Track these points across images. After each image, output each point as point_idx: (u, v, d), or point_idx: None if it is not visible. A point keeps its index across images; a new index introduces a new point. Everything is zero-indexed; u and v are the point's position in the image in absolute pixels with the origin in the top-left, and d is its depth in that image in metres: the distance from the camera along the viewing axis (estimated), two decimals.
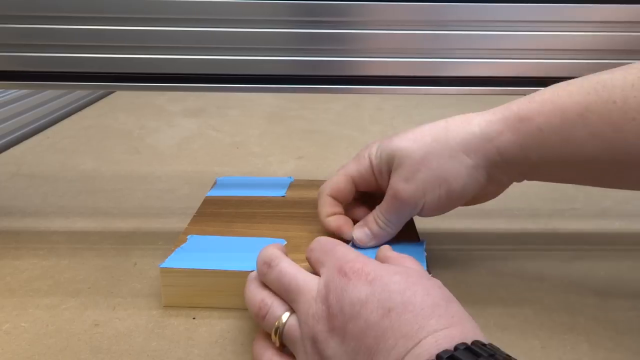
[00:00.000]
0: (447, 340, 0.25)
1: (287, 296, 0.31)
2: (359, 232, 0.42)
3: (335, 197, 0.43)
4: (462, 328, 0.26)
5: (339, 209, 0.43)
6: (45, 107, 0.94)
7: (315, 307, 0.29)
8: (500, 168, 0.38)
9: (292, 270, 0.32)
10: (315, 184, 0.50)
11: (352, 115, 1.02)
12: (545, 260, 0.48)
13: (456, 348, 0.24)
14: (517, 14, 0.44)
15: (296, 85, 0.46)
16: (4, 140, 0.82)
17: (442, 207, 0.40)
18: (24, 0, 0.42)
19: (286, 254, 0.34)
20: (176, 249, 0.41)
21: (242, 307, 0.38)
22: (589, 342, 0.37)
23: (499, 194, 0.42)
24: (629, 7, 0.43)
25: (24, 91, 0.87)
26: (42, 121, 0.93)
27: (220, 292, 0.39)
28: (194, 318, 0.39)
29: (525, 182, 0.41)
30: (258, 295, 0.33)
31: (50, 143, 0.82)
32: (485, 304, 0.41)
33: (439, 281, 0.30)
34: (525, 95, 0.38)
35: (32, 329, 0.37)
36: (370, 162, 0.41)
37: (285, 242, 0.42)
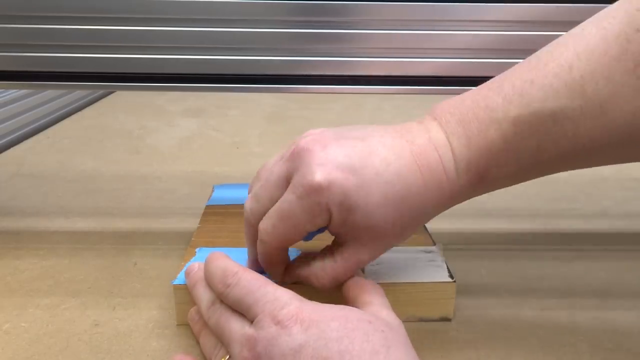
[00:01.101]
0: None
1: (221, 339, 0.31)
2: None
3: (284, 248, 0.36)
4: None
5: (285, 256, 0.37)
6: (45, 107, 0.95)
7: (241, 357, 0.28)
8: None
9: (226, 314, 0.31)
10: None
11: (352, 115, 1.02)
12: (545, 260, 0.48)
13: None
14: (517, 14, 0.44)
15: (296, 85, 0.46)
16: (4, 140, 0.82)
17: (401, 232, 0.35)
18: (24, 0, 0.42)
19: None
20: (186, 265, 0.38)
21: None
22: (589, 342, 0.37)
23: None
24: None
25: (24, 91, 0.87)
26: (42, 121, 0.93)
27: None
28: None
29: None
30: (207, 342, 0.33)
31: (50, 143, 0.82)
32: (485, 304, 0.41)
33: (387, 321, 0.28)
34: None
35: (32, 329, 0.37)
36: (329, 217, 0.32)
37: (300, 252, 0.39)
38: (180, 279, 0.37)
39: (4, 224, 0.53)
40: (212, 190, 0.54)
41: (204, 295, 0.33)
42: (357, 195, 0.31)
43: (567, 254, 0.49)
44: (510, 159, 0.31)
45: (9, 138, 0.83)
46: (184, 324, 0.38)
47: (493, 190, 0.34)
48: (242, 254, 0.41)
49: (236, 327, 0.29)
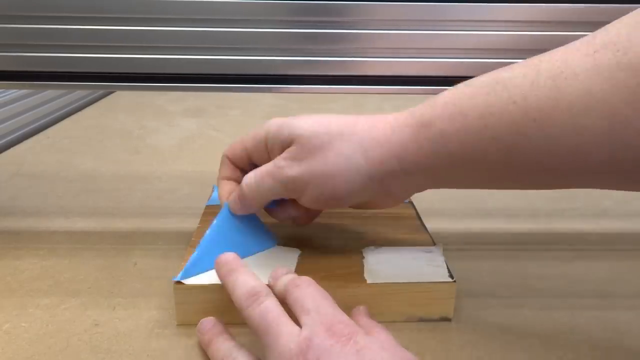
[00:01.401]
0: None
1: (264, 337, 0.30)
2: (232, 198, 0.40)
3: (233, 161, 0.41)
4: None
5: (235, 174, 0.41)
6: (45, 107, 0.94)
7: (326, 326, 0.29)
8: (398, 179, 0.36)
9: (276, 312, 0.30)
10: None
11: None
12: (545, 260, 0.48)
13: None
14: (517, 14, 0.44)
15: (296, 85, 0.46)
16: (4, 140, 0.82)
17: (320, 203, 0.38)
18: (23, 0, 0.42)
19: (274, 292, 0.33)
20: (187, 262, 0.38)
21: None
22: (589, 342, 0.37)
23: (391, 205, 0.39)
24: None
25: (24, 91, 0.87)
26: (42, 121, 0.93)
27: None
28: None
29: None
30: (223, 345, 0.33)
31: (50, 143, 0.82)
32: (485, 304, 0.41)
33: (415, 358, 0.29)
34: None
35: (32, 329, 0.37)
36: (266, 135, 0.38)
37: (300, 252, 0.41)
38: (181, 275, 0.37)
39: (4, 224, 0.53)
40: (212, 190, 0.54)
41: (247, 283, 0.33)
42: (289, 118, 0.38)
43: (567, 254, 0.49)
44: (453, 113, 0.33)
45: (9, 138, 0.83)
46: (184, 324, 0.38)
47: (443, 151, 0.34)
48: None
49: (287, 325, 0.30)
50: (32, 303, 0.40)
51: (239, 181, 0.40)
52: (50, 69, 0.45)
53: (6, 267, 0.45)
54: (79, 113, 1.01)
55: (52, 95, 0.97)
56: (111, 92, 1.14)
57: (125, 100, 1.10)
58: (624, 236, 0.54)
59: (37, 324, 0.38)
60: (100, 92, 1.11)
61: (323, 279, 0.35)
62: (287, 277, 0.34)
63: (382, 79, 0.46)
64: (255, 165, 0.40)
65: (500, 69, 0.33)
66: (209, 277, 0.37)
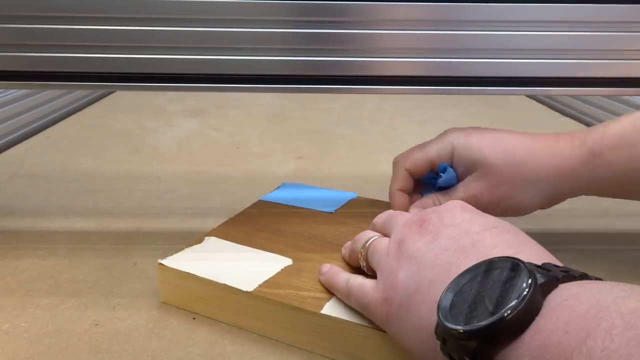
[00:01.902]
0: (549, 258, 0.28)
1: (389, 223, 0.36)
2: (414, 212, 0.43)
3: (411, 172, 0.44)
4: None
5: (409, 185, 0.45)
6: (45, 107, 0.94)
7: (408, 217, 0.34)
8: (565, 197, 0.43)
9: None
10: (376, 204, 0.49)
11: (352, 115, 1.02)
12: None
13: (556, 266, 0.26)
14: (517, 14, 0.44)
15: (296, 85, 0.46)
16: (4, 140, 0.82)
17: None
18: (24, 0, 0.42)
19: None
20: (186, 248, 0.41)
21: (227, 321, 0.38)
22: None
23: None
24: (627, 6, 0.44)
25: (24, 91, 0.87)
26: (42, 121, 0.93)
27: (205, 300, 0.38)
28: (193, 318, 0.39)
29: None
30: (343, 275, 0.36)
31: (50, 143, 0.82)
32: None
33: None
34: (539, 97, 0.40)
35: (32, 329, 0.37)
36: (452, 153, 0.43)
37: (290, 264, 0.40)
38: (168, 260, 0.39)
39: (4, 224, 0.53)
40: (278, 187, 0.54)
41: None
42: (474, 136, 0.43)
43: (567, 254, 0.49)
44: (624, 144, 0.39)
45: (9, 138, 0.83)
46: (168, 304, 0.40)
47: (611, 182, 0.41)
48: (242, 253, 0.41)
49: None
50: (32, 303, 0.40)
51: (409, 191, 0.45)
52: (50, 69, 0.45)
53: (6, 267, 0.45)
54: (79, 113, 1.01)
55: (52, 95, 0.97)
56: (111, 92, 1.13)
57: (125, 100, 1.10)
58: (624, 236, 0.54)
59: (37, 324, 0.38)
60: (100, 92, 1.11)
61: (284, 297, 0.35)
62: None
63: (382, 79, 0.46)
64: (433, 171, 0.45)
65: None
66: (191, 266, 0.39)
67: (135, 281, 0.43)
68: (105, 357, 0.34)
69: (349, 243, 0.40)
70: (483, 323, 0.23)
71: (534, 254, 0.28)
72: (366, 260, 0.35)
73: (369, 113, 1.03)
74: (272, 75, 0.46)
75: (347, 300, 0.34)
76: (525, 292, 0.23)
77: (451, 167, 0.44)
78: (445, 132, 0.44)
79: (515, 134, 0.43)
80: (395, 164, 0.45)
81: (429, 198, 0.44)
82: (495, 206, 0.42)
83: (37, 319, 0.38)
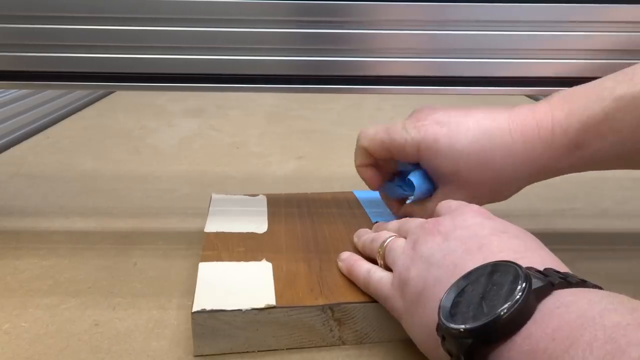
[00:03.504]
0: (555, 264, 0.28)
1: (405, 225, 0.37)
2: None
3: (369, 153, 0.44)
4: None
5: (370, 160, 0.44)
6: (45, 107, 0.95)
7: (423, 221, 0.35)
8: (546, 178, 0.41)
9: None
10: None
11: (352, 115, 1.02)
12: None
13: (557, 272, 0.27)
14: (517, 14, 0.44)
15: (296, 85, 0.46)
16: (4, 140, 0.82)
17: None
18: (24, 0, 0.42)
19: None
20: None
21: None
22: None
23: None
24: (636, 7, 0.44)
25: (24, 91, 0.87)
26: (42, 121, 0.93)
27: None
28: None
29: None
30: (364, 266, 0.37)
31: (50, 143, 0.82)
32: None
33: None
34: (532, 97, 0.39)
35: (32, 329, 0.37)
36: (417, 154, 0.41)
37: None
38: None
39: (4, 224, 0.53)
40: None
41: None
42: (444, 142, 0.39)
43: (567, 254, 0.49)
44: (608, 132, 0.36)
45: (9, 138, 0.83)
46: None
47: (592, 167, 0.38)
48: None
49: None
50: (32, 303, 0.40)
51: (373, 165, 0.45)
52: (50, 69, 0.45)
53: (6, 267, 0.45)
54: (79, 113, 1.01)
55: (52, 95, 0.97)
56: (111, 92, 1.14)
57: (125, 100, 1.10)
58: (624, 236, 0.54)
59: (37, 324, 0.38)
60: (100, 92, 1.11)
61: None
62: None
63: (382, 79, 0.46)
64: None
65: None
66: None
67: (135, 281, 0.43)
68: (105, 357, 0.34)
69: (362, 231, 0.42)
70: (477, 323, 0.24)
71: (538, 260, 0.28)
72: (383, 258, 0.36)
73: (369, 113, 1.03)
74: (272, 75, 0.46)
75: (365, 289, 0.36)
76: (518, 296, 0.24)
77: (417, 165, 0.42)
78: (413, 124, 0.41)
79: (489, 127, 0.39)
80: (357, 138, 0.44)
81: (411, 207, 0.43)
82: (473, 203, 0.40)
83: (37, 319, 0.38)
